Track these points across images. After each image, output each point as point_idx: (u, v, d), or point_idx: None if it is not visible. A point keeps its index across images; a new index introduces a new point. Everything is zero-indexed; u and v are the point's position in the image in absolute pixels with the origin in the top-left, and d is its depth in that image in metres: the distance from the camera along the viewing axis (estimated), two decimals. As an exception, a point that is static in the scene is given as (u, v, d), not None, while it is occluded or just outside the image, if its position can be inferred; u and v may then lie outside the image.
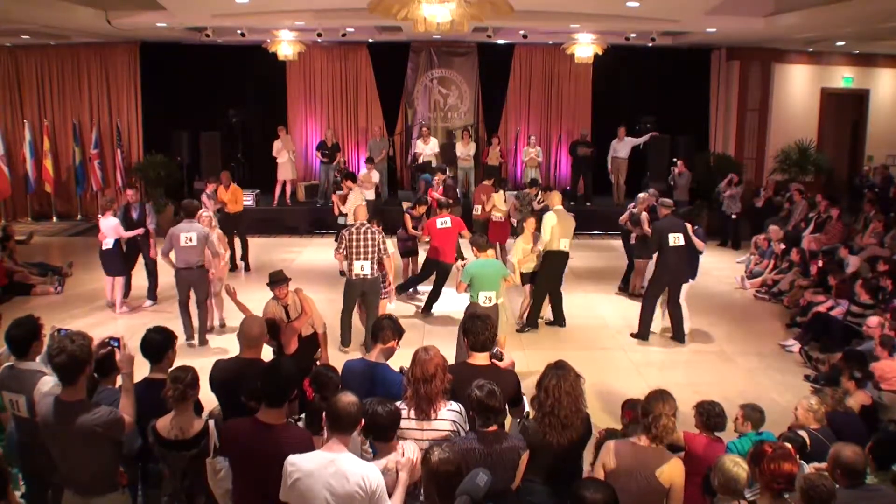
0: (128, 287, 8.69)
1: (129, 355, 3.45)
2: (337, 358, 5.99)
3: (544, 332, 8.02)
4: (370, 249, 6.79)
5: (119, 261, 8.37)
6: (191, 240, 7.15)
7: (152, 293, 8.85)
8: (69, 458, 3.29)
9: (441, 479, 2.84)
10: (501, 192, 10.00)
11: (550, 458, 3.53)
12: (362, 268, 6.80)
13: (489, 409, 3.31)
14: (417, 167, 13.67)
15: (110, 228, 8.24)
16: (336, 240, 7.76)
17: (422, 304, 8.80)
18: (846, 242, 9.54)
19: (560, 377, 3.50)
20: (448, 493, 2.85)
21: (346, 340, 7.24)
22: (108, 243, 8.26)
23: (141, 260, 8.81)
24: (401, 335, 4.21)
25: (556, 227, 7.75)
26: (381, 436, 3.19)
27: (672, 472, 3.27)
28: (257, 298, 5.87)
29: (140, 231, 8.53)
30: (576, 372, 3.58)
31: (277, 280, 5.64)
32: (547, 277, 7.96)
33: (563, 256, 7.92)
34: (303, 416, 3.76)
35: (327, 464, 2.88)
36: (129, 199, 8.79)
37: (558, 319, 8.18)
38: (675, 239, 7.51)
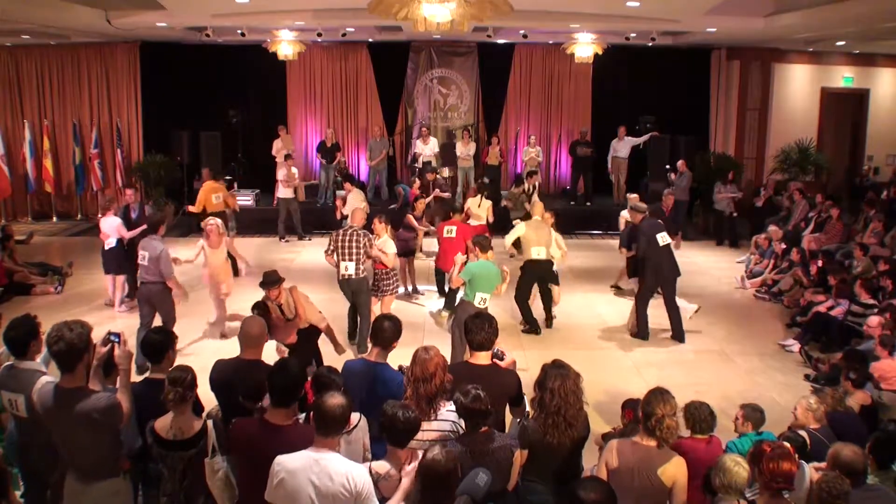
0: (133, 286, 8.57)
1: (127, 352, 3.43)
2: (336, 357, 6.02)
3: (544, 333, 8.01)
4: (354, 251, 6.90)
5: (120, 259, 8.36)
6: (143, 258, 6.79)
7: None
8: (70, 443, 3.29)
9: (427, 479, 2.81)
10: (479, 196, 9.73)
11: (552, 458, 3.53)
12: (346, 268, 6.92)
13: (476, 414, 3.30)
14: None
15: (112, 228, 8.28)
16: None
17: (421, 305, 8.87)
18: (859, 243, 9.48)
19: (563, 377, 3.49)
20: (431, 492, 2.82)
21: (352, 334, 7.37)
22: (110, 242, 8.31)
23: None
24: (399, 334, 4.20)
25: (525, 237, 7.67)
26: (394, 440, 3.17)
27: (675, 470, 3.26)
28: (254, 299, 5.85)
29: (144, 228, 8.49)
30: (574, 370, 3.58)
31: (269, 282, 5.66)
32: (521, 286, 7.90)
33: (538, 265, 7.77)
34: (302, 416, 3.75)
35: (312, 463, 2.88)
36: (129, 200, 8.87)
37: (546, 319, 8.14)
38: (663, 238, 7.56)
